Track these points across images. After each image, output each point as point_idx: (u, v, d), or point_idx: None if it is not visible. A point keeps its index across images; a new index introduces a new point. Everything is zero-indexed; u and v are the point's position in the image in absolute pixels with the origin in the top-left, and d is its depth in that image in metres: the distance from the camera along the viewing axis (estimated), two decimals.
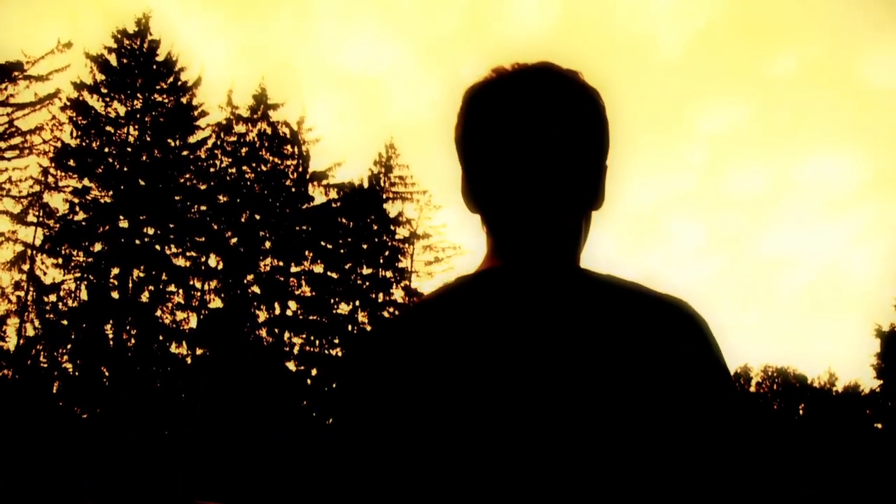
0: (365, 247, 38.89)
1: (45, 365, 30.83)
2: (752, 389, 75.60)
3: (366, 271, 39.10)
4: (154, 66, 34.04)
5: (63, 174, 32.09)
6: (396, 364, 1.37)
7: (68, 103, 32.55)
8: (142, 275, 33.07)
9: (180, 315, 33.95)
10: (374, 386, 1.38)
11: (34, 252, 31.44)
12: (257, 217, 36.26)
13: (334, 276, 37.90)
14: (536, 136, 1.43)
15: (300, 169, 37.66)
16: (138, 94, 33.47)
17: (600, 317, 1.34)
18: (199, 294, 34.58)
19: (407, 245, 40.22)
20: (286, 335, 36.30)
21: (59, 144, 32.16)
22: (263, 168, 36.87)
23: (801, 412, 73.64)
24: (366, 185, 39.89)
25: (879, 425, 46.69)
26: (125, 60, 33.61)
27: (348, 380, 1.44)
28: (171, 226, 33.76)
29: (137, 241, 33.08)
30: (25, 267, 31.31)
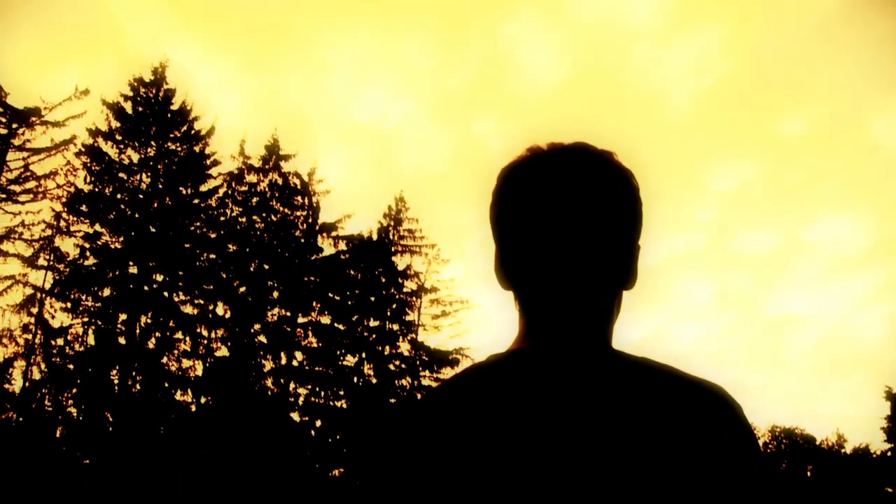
0: (372, 299, 38.91)
1: (50, 409, 30.74)
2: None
3: (373, 323, 39.08)
4: (169, 115, 34.41)
5: (75, 219, 32.31)
6: (432, 441, 1.38)
7: (83, 149, 32.88)
8: (149, 321, 33.11)
9: (186, 362, 33.91)
10: (414, 459, 1.39)
11: (43, 295, 31.56)
12: (266, 267, 36.38)
13: (341, 327, 37.89)
14: (572, 215, 1.44)
15: (310, 220, 37.85)
16: (152, 142, 33.80)
17: (635, 399, 1.33)
18: (205, 342, 34.60)
19: (414, 298, 40.23)
20: (291, 385, 36.21)
21: (72, 189, 32.43)
22: (273, 218, 37.07)
23: (808, 473, 72.96)
24: (375, 237, 40.03)
25: (890, 489, 46.24)
26: (141, 108, 33.98)
27: (390, 453, 1.46)
28: (180, 273, 33.88)
29: (146, 288, 33.17)
30: (34, 310, 31.40)
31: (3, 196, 31.34)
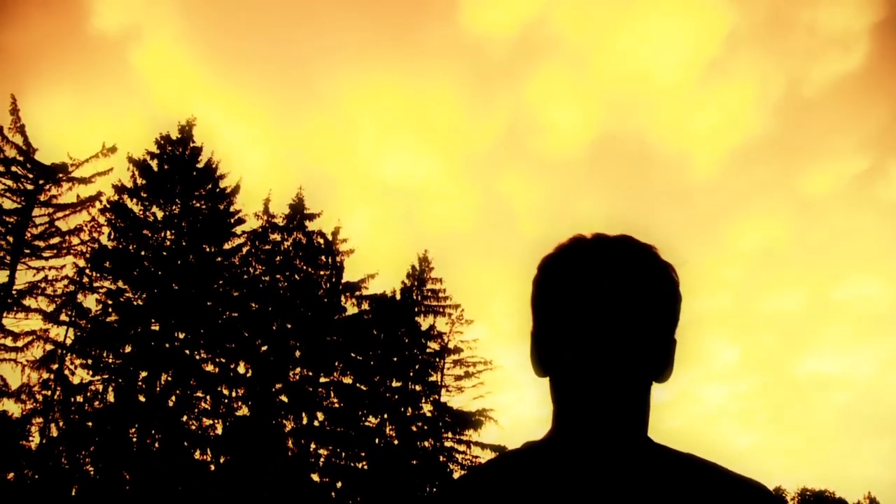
0: (395, 360, 38.39)
1: (67, 466, 30.22)
2: None
3: (395, 384, 38.50)
4: (194, 173, 34.33)
5: (98, 275, 32.09)
6: None
7: (108, 206, 32.81)
8: (170, 379, 32.67)
9: (207, 421, 33.37)
10: None
11: (64, 352, 31.22)
12: (288, 326, 35.97)
13: (363, 388, 37.33)
14: (611, 306, 1.44)
15: (333, 279, 37.53)
16: (177, 200, 33.67)
17: (674, 495, 1.35)
18: (226, 401, 34.11)
19: (437, 359, 39.68)
20: (312, 446, 35.57)
21: (96, 246, 32.27)
22: (297, 277, 36.77)
23: None
24: (398, 297, 39.65)
25: None
26: (166, 166, 33.94)
27: None
28: (202, 331, 33.51)
29: (168, 345, 32.79)
30: (54, 366, 31.04)
31: (28, 251, 31.22)
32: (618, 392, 1.44)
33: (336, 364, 36.97)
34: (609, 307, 1.43)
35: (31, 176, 31.59)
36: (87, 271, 31.99)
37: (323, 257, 37.53)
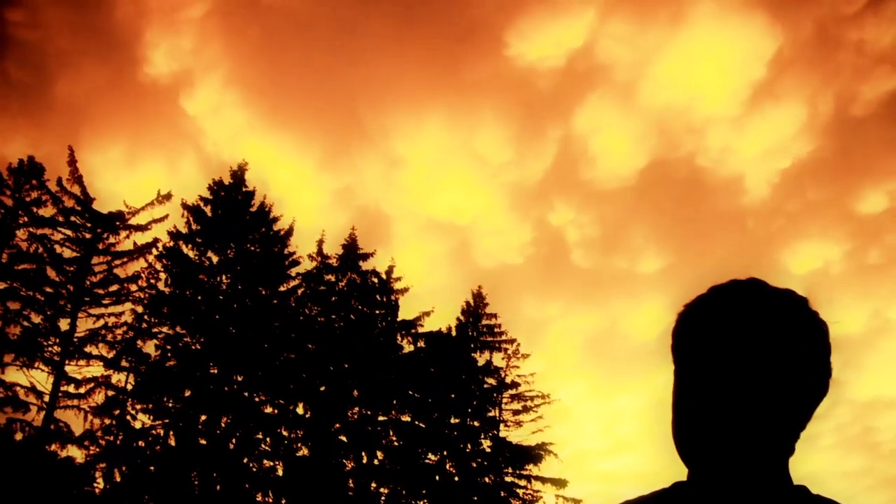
0: (453, 396, 38.03)
1: None
2: None
3: (454, 421, 38.13)
4: (247, 217, 34.50)
5: (156, 321, 32.27)
6: None
7: (164, 252, 33.09)
8: (230, 422, 32.64)
9: (267, 463, 33.27)
10: None
11: (125, 397, 31.34)
12: (345, 366, 35.82)
13: (422, 425, 37.02)
14: (752, 357, 1.42)
15: (388, 318, 37.38)
16: (231, 244, 33.82)
17: None
18: (286, 442, 33.98)
19: (495, 394, 39.25)
20: (373, 485, 35.26)
21: (153, 292, 32.48)
22: (352, 317, 36.67)
23: None
24: (454, 334, 39.35)
25: None
26: (220, 211, 34.15)
27: None
28: (260, 373, 33.47)
29: (226, 388, 32.77)
30: (116, 412, 31.15)
31: (88, 299, 31.49)
32: (762, 442, 1.42)
33: (394, 402, 36.71)
34: (747, 357, 1.41)
35: (89, 225, 31.96)
36: (146, 317, 32.16)
37: (378, 296, 37.42)
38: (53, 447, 31.03)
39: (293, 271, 35.34)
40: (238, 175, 34.92)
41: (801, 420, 1.48)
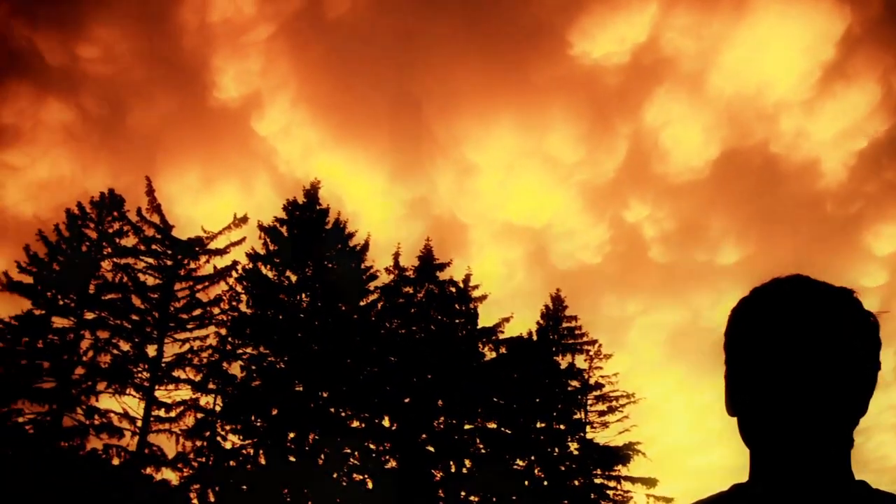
0: (537, 401, 37.73)
1: None
2: None
3: (539, 425, 37.83)
4: (323, 234, 34.74)
5: (240, 342, 32.67)
6: None
7: (244, 274, 33.50)
8: (317, 438, 32.85)
9: (357, 476, 33.37)
10: None
11: (214, 419, 31.75)
12: (428, 376, 35.79)
13: (508, 431, 36.82)
14: (802, 351, 1.42)
15: (468, 327, 37.24)
16: (309, 262, 34.05)
17: None
18: (374, 455, 34.07)
19: (580, 396, 38.85)
20: (462, 493, 35.13)
21: (235, 314, 32.91)
22: (432, 328, 36.61)
23: None
24: (535, 338, 39.08)
25: None
26: (296, 230, 34.43)
27: None
28: (345, 388, 33.61)
29: (312, 405, 33.00)
30: (207, 433, 31.59)
31: (173, 324, 32.03)
32: (821, 439, 1.41)
33: (479, 410, 36.56)
34: (797, 351, 1.42)
35: (170, 252, 32.50)
36: (230, 339, 32.55)
37: (457, 305, 37.31)
38: (149, 470, 31.57)
39: (371, 285, 35.45)
40: (311, 193, 35.17)
41: (857, 414, 1.47)
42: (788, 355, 1.42)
